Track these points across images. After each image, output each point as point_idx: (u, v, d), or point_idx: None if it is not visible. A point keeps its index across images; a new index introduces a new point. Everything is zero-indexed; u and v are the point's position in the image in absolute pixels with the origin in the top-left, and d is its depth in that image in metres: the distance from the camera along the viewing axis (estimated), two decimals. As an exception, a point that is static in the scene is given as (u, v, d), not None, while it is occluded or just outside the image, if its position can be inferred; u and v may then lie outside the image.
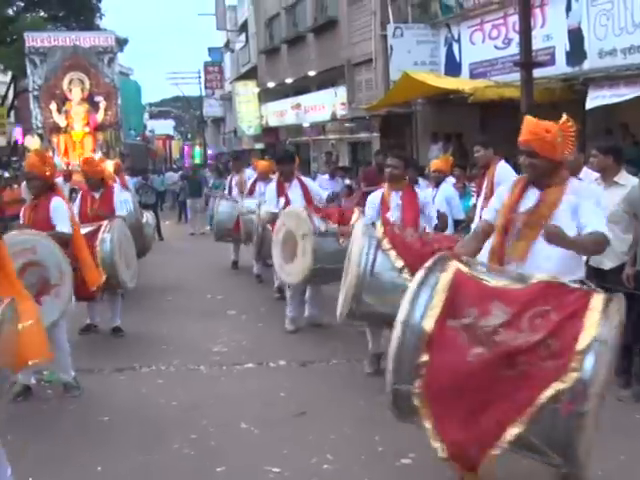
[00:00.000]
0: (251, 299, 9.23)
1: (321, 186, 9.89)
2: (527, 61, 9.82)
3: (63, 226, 5.78)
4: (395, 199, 6.05)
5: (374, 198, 6.21)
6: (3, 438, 4.65)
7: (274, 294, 8.97)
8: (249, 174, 11.96)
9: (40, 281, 5.16)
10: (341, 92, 20.40)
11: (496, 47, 14.05)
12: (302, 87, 24.08)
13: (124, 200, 8.15)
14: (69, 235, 5.84)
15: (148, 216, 11.27)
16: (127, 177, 13.64)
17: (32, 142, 22.11)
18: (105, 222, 7.15)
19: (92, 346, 7.06)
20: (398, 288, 4.54)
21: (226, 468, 4.21)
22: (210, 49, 48.87)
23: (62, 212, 5.86)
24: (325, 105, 21.60)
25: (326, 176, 14.26)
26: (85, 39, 22.51)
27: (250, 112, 31.14)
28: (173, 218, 22.31)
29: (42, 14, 29.98)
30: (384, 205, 6.07)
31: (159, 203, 20.17)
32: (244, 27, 34.10)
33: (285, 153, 9.64)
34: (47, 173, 5.93)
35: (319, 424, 4.84)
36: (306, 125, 24.16)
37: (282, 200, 7.63)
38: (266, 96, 28.72)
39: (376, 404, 4.38)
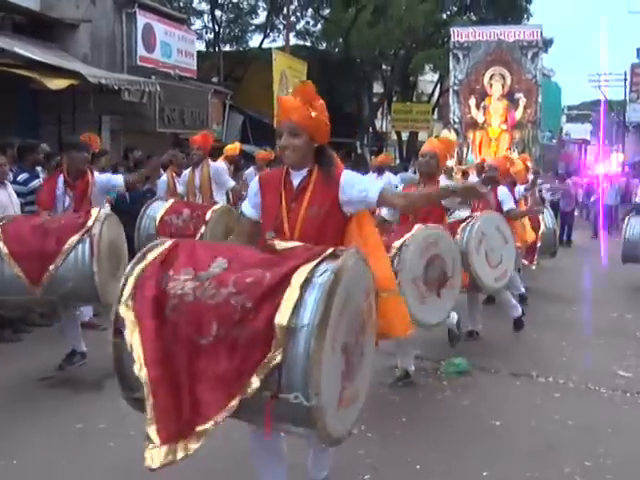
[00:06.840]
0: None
1: None
2: None
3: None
4: None
5: None
6: (396, 421, 4.88)
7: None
8: None
9: (440, 275, 5.23)
10: None
11: None
12: None
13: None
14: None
15: (548, 217, 10.62)
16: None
17: (444, 134, 22.55)
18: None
19: (488, 346, 7.00)
20: None
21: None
22: (639, 49, 45.91)
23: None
24: None
25: None
26: (510, 33, 22.08)
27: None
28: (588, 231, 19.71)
29: (472, 17, 30.88)
30: None
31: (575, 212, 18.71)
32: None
33: None
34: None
35: None
36: None
37: None
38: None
39: None
